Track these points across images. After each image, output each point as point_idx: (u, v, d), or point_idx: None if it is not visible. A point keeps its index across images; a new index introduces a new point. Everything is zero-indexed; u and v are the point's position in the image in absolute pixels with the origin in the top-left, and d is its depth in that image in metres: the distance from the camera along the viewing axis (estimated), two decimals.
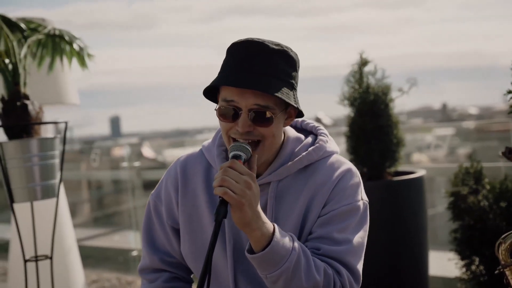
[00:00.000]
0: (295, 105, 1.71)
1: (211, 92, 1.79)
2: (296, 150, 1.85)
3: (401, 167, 4.32)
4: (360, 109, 4.08)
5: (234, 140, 1.73)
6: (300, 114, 1.82)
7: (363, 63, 4.13)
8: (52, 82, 4.38)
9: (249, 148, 1.67)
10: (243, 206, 1.57)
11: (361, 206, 1.82)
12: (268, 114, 1.68)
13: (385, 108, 4.08)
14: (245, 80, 1.65)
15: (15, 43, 3.43)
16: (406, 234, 4.05)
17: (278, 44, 1.71)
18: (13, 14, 3.83)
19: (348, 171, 1.84)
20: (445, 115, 37.14)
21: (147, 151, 13.35)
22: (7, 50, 3.41)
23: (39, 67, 3.73)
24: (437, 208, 6.04)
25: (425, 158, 11.80)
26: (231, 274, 1.82)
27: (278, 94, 1.65)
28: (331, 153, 1.88)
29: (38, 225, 3.67)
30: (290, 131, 1.89)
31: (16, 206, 4.33)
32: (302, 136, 1.90)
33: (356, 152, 4.13)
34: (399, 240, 4.03)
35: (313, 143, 1.88)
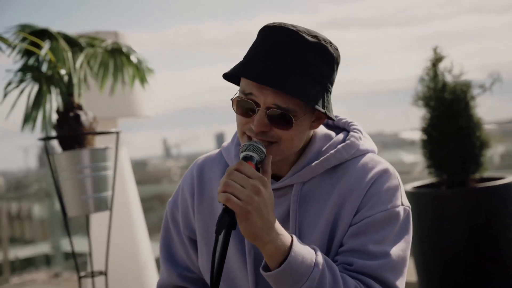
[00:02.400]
0: (322, 111, 1.45)
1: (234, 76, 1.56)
2: (324, 148, 1.59)
3: (487, 173, 3.90)
4: (436, 109, 3.71)
5: (249, 138, 1.50)
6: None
7: (438, 59, 3.76)
8: (126, 95, 4.39)
9: (263, 149, 1.44)
10: (250, 214, 1.34)
11: (401, 213, 1.53)
12: (287, 117, 1.45)
13: (465, 107, 3.69)
14: (266, 74, 1.42)
15: (70, 55, 3.39)
16: (494, 249, 3.64)
17: (315, 36, 1.46)
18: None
19: (385, 171, 1.56)
20: None
21: None
22: (62, 62, 3.38)
23: (101, 89, 3.69)
24: None
25: None
26: None
27: (302, 98, 1.41)
28: (365, 152, 1.60)
29: (107, 238, 3.57)
30: (319, 128, 1.64)
31: (93, 217, 4.33)
32: (332, 133, 1.64)
33: (433, 157, 3.77)
34: (486, 256, 3.61)
35: (344, 140, 1.62)
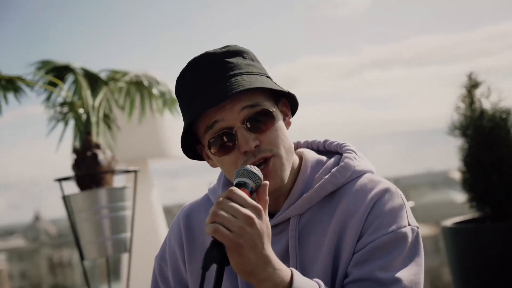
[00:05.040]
0: (281, 89, 1.38)
1: (192, 151, 1.48)
2: (317, 175, 1.45)
3: None
4: (474, 138, 3.47)
5: None
6: (294, 104, 1.48)
7: (473, 85, 3.53)
8: (154, 135, 4.36)
9: (257, 174, 1.29)
10: (242, 248, 1.18)
11: (409, 234, 1.37)
12: (265, 111, 1.36)
13: (506, 135, 3.44)
14: (213, 95, 1.33)
15: (88, 92, 3.33)
16: None
17: (224, 46, 1.42)
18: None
19: (386, 191, 1.41)
20: None
21: None
22: (80, 100, 3.32)
23: (129, 118, 3.65)
24: None
25: None
26: None
27: (259, 84, 1.33)
28: (362, 173, 1.45)
29: (126, 282, 3.44)
30: (309, 154, 1.51)
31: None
32: (324, 158, 1.50)
33: (474, 189, 3.52)
34: None
35: (337, 163, 1.47)
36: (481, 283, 3.38)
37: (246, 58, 1.40)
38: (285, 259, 1.41)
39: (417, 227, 1.40)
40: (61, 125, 3.38)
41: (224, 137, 1.35)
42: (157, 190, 4.90)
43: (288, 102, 1.46)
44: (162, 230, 4.68)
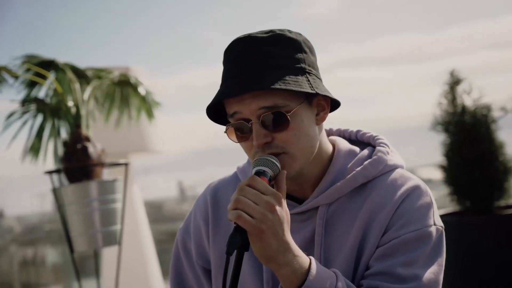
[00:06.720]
0: (311, 91, 1.35)
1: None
2: (349, 165, 1.47)
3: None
4: (456, 134, 3.57)
5: None
6: (336, 103, 1.45)
7: (455, 81, 3.63)
8: (136, 130, 4.33)
9: (276, 163, 1.33)
10: (263, 234, 1.23)
11: (434, 233, 1.41)
12: (280, 115, 1.34)
13: (486, 131, 3.55)
14: (238, 84, 1.34)
15: (77, 86, 3.32)
16: None
17: (270, 31, 1.39)
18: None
19: (416, 188, 1.44)
20: None
21: None
22: (69, 93, 3.30)
23: (107, 121, 3.61)
24: None
25: None
26: None
27: (278, 85, 1.30)
28: (393, 167, 1.48)
29: (116, 274, 3.44)
30: (342, 143, 1.52)
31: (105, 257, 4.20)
32: (356, 149, 1.52)
33: (456, 183, 3.62)
34: None
35: (370, 156, 1.49)
36: (462, 274, 3.48)
37: (289, 48, 1.38)
38: (310, 246, 1.44)
39: (442, 227, 1.44)
40: (19, 122, 3.27)
41: (241, 127, 1.38)
42: (137, 186, 4.90)
43: (328, 97, 1.43)
44: (143, 224, 4.68)
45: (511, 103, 3.56)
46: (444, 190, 3.75)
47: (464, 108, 3.60)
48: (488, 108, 3.60)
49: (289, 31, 1.40)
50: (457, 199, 3.68)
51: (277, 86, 1.30)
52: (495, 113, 3.62)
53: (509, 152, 3.63)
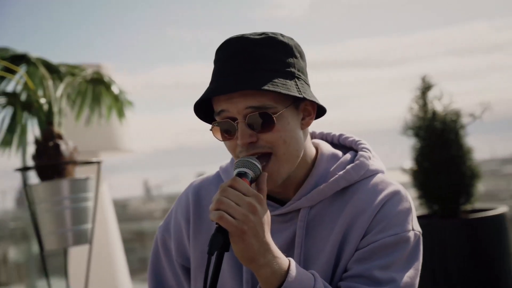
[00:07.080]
0: (299, 95, 1.37)
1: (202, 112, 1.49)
2: (332, 169, 1.50)
3: (479, 204, 3.82)
4: (427, 139, 3.64)
5: None
6: (321, 109, 1.47)
7: (427, 87, 3.70)
8: (107, 128, 4.29)
9: (257, 164, 1.35)
10: (245, 235, 1.25)
11: (412, 238, 1.44)
12: (267, 116, 1.36)
13: (455, 137, 3.62)
14: (227, 83, 1.36)
15: (50, 83, 3.27)
16: (486, 282, 3.53)
17: (263, 33, 1.42)
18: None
19: (396, 193, 1.47)
20: None
21: None
22: (41, 89, 3.26)
23: (77, 119, 3.57)
24: None
25: None
26: None
27: (267, 87, 1.32)
28: (374, 172, 1.51)
29: (86, 273, 3.40)
30: (325, 147, 1.55)
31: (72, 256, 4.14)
32: (339, 153, 1.55)
33: (424, 187, 3.69)
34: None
35: (352, 160, 1.52)
36: (430, 277, 3.55)
37: (281, 51, 1.40)
38: (290, 248, 1.46)
39: (420, 232, 1.47)
40: None
41: (227, 125, 1.39)
42: (106, 184, 4.85)
43: (315, 103, 1.45)
44: (112, 223, 4.64)
45: (480, 109, 3.64)
46: (413, 193, 3.82)
47: (434, 114, 3.67)
48: (457, 114, 3.68)
49: (282, 35, 1.42)
50: (425, 203, 3.74)
51: (266, 87, 1.32)
52: (464, 119, 3.70)
53: (476, 157, 3.72)
